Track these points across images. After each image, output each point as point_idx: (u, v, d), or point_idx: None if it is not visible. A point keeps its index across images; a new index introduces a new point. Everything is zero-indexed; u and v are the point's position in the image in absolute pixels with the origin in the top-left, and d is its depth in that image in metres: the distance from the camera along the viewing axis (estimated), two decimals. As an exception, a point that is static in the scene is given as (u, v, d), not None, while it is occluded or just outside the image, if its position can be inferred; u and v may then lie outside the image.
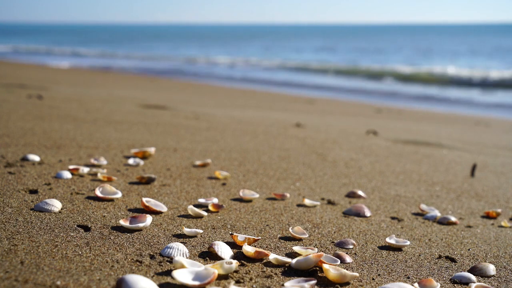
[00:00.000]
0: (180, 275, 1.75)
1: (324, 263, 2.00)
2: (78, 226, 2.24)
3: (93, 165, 3.32)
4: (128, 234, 2.19)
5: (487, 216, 3.02)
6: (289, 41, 53.58)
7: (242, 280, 1.84)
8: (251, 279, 1.86)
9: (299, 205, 2.90)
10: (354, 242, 2.35)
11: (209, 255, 2.05)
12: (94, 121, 5.08)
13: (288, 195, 3.01)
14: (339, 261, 2.08)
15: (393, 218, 2.82)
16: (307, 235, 2.39)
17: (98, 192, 2.63)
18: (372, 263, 2.15)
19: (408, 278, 2.04)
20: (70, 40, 50.03)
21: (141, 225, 2.25)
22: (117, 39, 58.38)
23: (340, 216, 2.77)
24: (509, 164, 4.78)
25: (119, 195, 2.67)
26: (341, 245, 2.32)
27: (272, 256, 2.02)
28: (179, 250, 2.01)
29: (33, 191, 2.65)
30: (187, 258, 1.99)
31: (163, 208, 2.56)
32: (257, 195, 2.95)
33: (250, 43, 50.87)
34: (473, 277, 2.04)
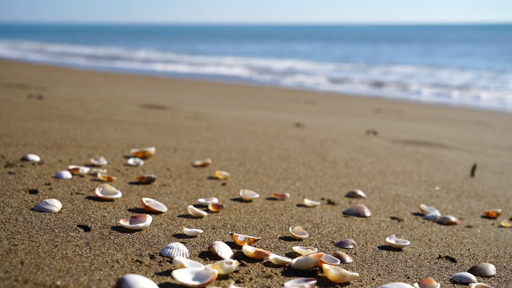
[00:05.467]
0: (180, 275, 1.75)
1: (324, 263, 2.00)
2: (78, 226, 2.24)
3: (93, 165, 3.32)
4: (128, 234, 2.19)
5: (487, 216, 3.02)
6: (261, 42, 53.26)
7: (242, 280, 1.84)
8: (251, 279, 1.86)
9: (299, 205, 2.90)
10: (354, 242, 2.35)
11: (209, 255, 2.05)
12: (94, 121, 5.08)
13: (288, 195, 3.01)
14: (339, 261, 2.08)
15: (393, 218, 2.82)
16: (307, 235, 2.39)
17: (98, 192, 2.63)
18: (372, 263, 2.15)
19: (408, 278, 2.04)
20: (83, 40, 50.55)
21: (141, 225, 2.25)
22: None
23: (340, 216, 2.77)
24: (509, 164, 4.78)
25: (119, 195, 2.67)
26: (341, 245, 2.32)
27: (272, 256, 2.02)
28: (179, 250, 2.01)
29: (33, 191, 2.65)
30: (187, 258, 1.99)
31: (163, 208, 2.56)
32: (257, 195, 2.95)
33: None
34: (473, 277, 2.04)
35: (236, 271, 1.91)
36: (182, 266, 1.83)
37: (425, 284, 1.92)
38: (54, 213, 2.36)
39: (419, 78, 18.95)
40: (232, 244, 2.18)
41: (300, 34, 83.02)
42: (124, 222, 2.26)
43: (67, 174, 2.98)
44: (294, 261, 1.99)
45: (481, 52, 33.84)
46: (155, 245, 2.11)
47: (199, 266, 1.84)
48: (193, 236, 2.26)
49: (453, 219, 2.81)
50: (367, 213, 2.82)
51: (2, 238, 1.99)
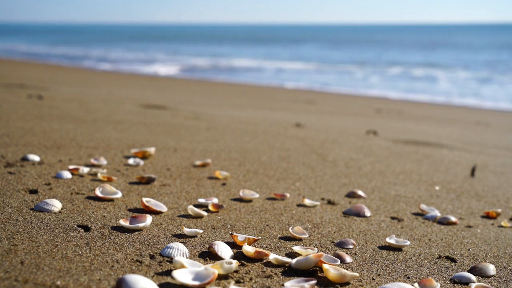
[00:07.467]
0: (180, 275, 1.75)
1: (324, 263, 2.00)
2: (78, 226, 2.24)
3: (93, 165, 3.32)
4: (128, 234, 2.19)
5: (487, 216, 3.02)
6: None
7: (242, 280, 1.84)
8: (251, 279, 1.86)
9: (299, 205, 2.90)
10: (354, 242, 2.35)
11: (209, 255, 2.05)
12: (94, 121, 5.08)
13: (288, 195, 3.01)
14: (339, 261, 2.08)
15: (393, 218, 2.83)
16: (307, 235, 2.39)
17: (98, 192, 2.63)
18: (372, 263, 2.15)
19: (408, 278, 2.04)
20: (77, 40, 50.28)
21: (141, 225, 2.25)
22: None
23: (340, 216, 2.77)
24: (509, 164, 4.78)
25: (119, 195, 2.67)
26: (341, 245, 2.32)
27: (272, 256, 2.02)
28: (179, 250, 2.01)
29: (33, 191, 2.65)
30: (187, 258, 1.99)
31: (163, 208, 2.56)
32: (257, 195, 2.95)
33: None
34: (473, 277, 2.04)
35: (236, 271, 1.91)
36: (182, 266, 1.83)
37: (425, 284, 1.92)
38: (54, 213, 2.36)
39: (419, 78, 18.95)
40: (232, 244, 2.18)
41: (296, 35, 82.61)
42: (124, 222, 2.26)
43: (67, 174, 2.98)
44: (294, 261, 1.99)
45: (481, 52, 33.82)
46: (155, 245, 2.11)
47: (199, 266, 1.84)
48: (193, 236, 2.26)
49: (453, 219, 2.81)
50: (367, 213, 2.82)
51: (2, 238, 1.99)
